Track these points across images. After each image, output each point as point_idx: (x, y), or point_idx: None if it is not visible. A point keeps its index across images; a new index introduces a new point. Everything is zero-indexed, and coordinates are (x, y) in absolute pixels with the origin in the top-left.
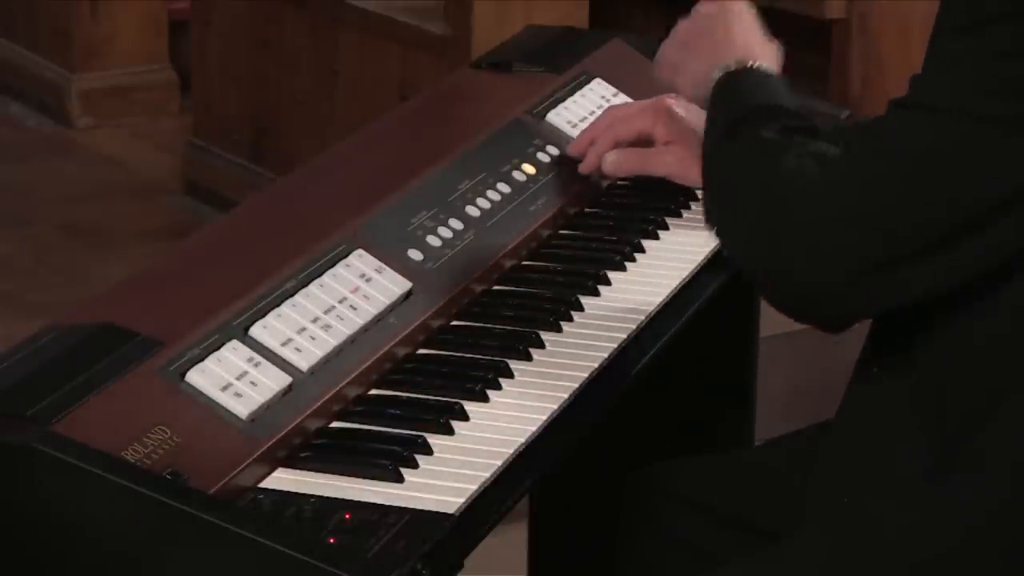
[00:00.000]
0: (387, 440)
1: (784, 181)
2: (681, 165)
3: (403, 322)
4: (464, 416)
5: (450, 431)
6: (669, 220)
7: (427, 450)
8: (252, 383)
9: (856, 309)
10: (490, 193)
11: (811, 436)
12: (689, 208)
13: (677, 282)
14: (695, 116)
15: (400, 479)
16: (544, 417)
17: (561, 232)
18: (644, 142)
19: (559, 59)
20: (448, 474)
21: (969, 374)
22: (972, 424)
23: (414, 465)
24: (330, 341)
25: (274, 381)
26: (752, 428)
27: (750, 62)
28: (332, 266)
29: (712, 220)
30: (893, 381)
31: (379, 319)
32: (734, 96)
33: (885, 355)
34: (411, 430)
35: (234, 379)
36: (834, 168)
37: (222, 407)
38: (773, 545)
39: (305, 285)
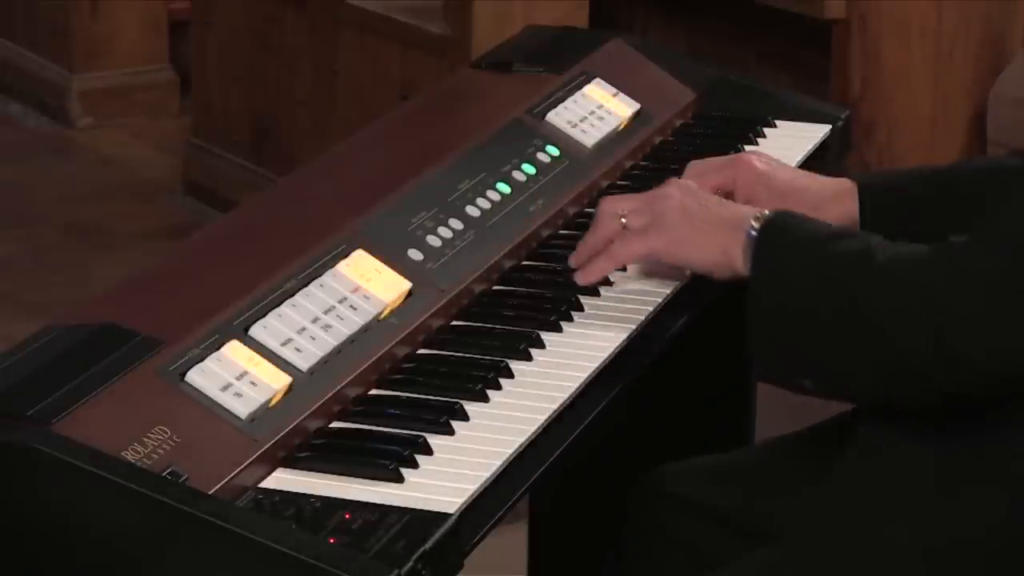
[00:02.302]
0: (387, 440)
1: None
2: None
3: (403, 322)
4: (464, 416)
5: (450, 431)
6: None
7: (427, 450)
8: (252, 383)
9: None
10: (490, 193)
11: (811, 436)
12: None
13: (678, 282)
14: (778, 170)
15: (400, 479)
16: (544, 417)
17: (561, 232)
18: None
19: (559, 59)
20: (448, 474)
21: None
22: (983, 426)
23: (414, 465)
24: (330, 341)
25: (274, 381)
26: (752, 428)
27: (765, 211)
28: (332, 266)
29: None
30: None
31: (379, 319)
32: (797, 238)
33: None
34: (411, 430)
35: (234, 379)
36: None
37: (222, 407)
38: (774, 545)
39: (305, 285)
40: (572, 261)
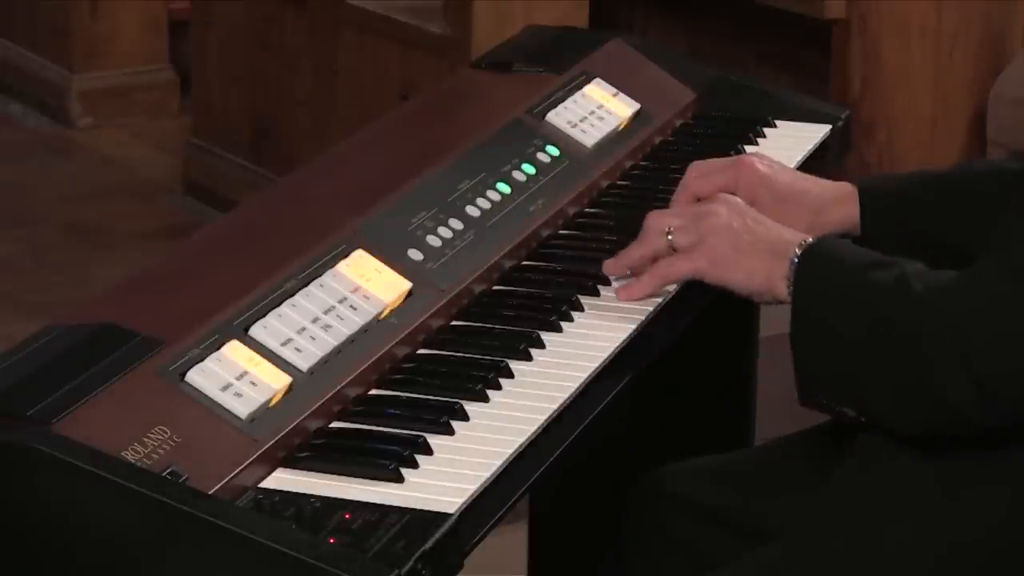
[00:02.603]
0: (387, 440)
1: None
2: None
3: (403, 322)
4: (464, 416)
5: (450, 431)
6: None
7: (427, 450)
8: (252, 383)
9: None
10: (490, 193)
11: (811, 437)
12: None
13: (678, 282)
14: (779, 173)
15: (400, 479)
16: (544, 417)
17: (561, 232)
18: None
19: (559, 59)
20: (448, 474)
21: None
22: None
23: (414, 465)
24: (330, 341)
25: (274, 381)
26: (752, 428)
27: (808, 239)
28: (332, 266)
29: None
30: None
31: (379, 319)
32: (837, 266)
33: None
34: (411, 430)
35: (234, 379)
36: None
37: (222, 407)
38: (774, 546)
39: (305, 285)
40: (607, 269)
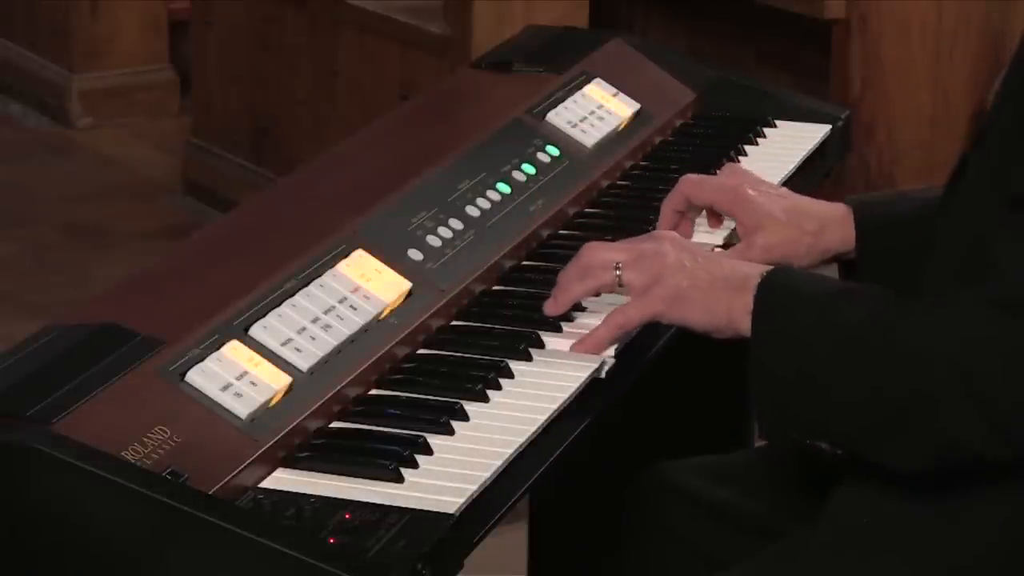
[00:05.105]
0: (387, 440)
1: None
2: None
3: (403, 322)
4: (464, 416)
5: (450, 431)
6: None
7: (427, 450)
8: (252, 383)
9: None
10: (490, 193)
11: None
12: None
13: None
14: (774, 200)
15: (400, 479)
16: (544, 417)
17: (561, 232)
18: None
19: (559, 59)
20: (448, 474)
21: None
22: None
23: (414, 465)
24: (330, 341)
25: (274, 381)
26: (752, 428)
27: (765, 270)
28: (332, 266)
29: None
30: None
31: (379, 319)
32: (799, 299)
33: None
34: (411, 430)
35: (234, 379)
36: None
37: (222, 407)
38: (775, 544)
39: (305, 285)
40: (548, 310)
